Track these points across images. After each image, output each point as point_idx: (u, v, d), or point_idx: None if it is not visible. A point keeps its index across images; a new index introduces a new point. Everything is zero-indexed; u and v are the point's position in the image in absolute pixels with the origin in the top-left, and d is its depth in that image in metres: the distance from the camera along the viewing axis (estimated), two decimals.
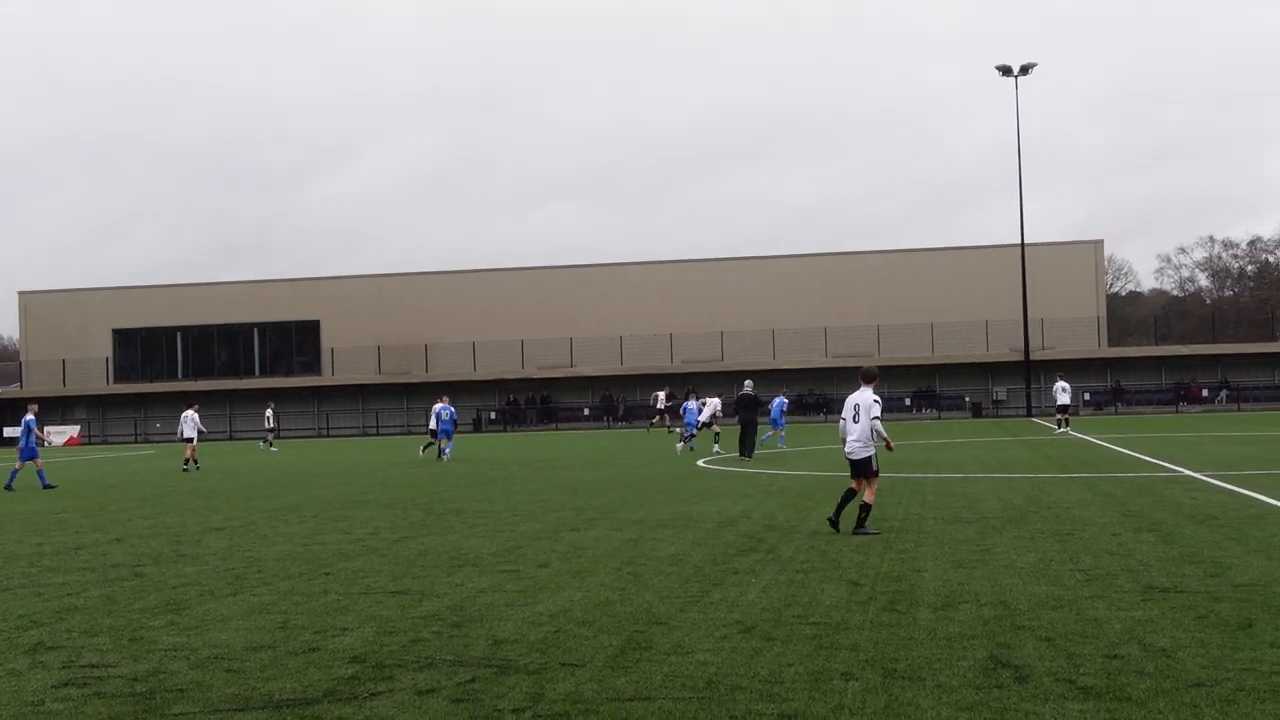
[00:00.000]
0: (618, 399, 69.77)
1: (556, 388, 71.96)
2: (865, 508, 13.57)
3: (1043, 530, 13.46)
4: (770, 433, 35.46)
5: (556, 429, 67.20)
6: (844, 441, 13.84)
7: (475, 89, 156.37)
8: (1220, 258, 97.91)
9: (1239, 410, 61.43)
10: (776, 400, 36.49)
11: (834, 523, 13.77)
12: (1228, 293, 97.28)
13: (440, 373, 71.13)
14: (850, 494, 13.87)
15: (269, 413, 51.82)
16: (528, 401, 70.47)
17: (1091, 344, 70.70)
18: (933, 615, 8.78)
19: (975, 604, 9.16)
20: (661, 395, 53.47)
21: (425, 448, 36.28)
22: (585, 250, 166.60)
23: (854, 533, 13.38)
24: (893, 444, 14.02)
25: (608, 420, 68.57)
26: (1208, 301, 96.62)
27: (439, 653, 8.02)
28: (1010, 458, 27.10)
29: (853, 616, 8.83)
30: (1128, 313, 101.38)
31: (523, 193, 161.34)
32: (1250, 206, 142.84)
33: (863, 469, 13.64)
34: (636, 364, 70.74)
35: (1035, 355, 64.03)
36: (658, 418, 53.72)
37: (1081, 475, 21.22)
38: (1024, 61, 60.91)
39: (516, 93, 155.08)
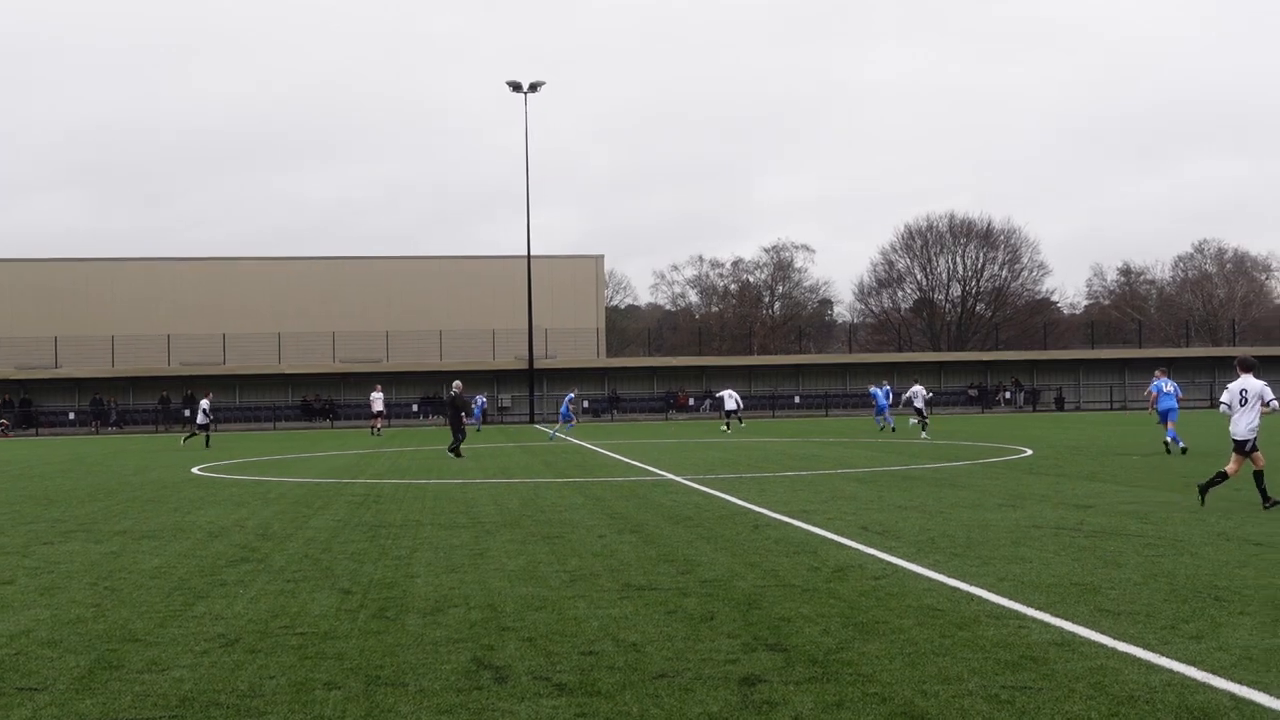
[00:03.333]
0: (108, 402, 65.53)
1: (38, 390, 66.64)
2: (1261, 474, 15.00)
3: (535, 533, 13.93)
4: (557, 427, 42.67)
5: (38, 434, 62.24)
6: (1230, 423, 15.08)
7: None
8: (708, 276, 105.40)
9: (720, 418, 66.29)
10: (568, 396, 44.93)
11: (1203, 494, 15.33)
12: (714, 308, 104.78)
13: None
14: (1222, 476, 15.12)
15: None
16: (3, 404, 64.66)
17: (591, 354, 74.06)
18: (421, 621, 8.86)
19: (464, 607, 9.33)
20: (378, 397, 50.06)
21: None
22: (85, 244, 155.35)
23: (1267, 506, 14.72)
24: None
25: (95, 425, 64.25)
26: (697, 316, 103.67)
27: None
28: (511, 463, 27.86)
29: (341, 625, 8.75)
30: (625, 325, 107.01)
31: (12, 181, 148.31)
32: (735, 230, 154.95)
33: (1247, 447, 14.90)
34: (128, 366, 66.84)
35: (540, 364, 66.18)
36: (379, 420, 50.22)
37: (575, 480, 22.15)
38: (534, 79, 62.90)
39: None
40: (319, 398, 67.73)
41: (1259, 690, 6.50)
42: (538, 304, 66.31)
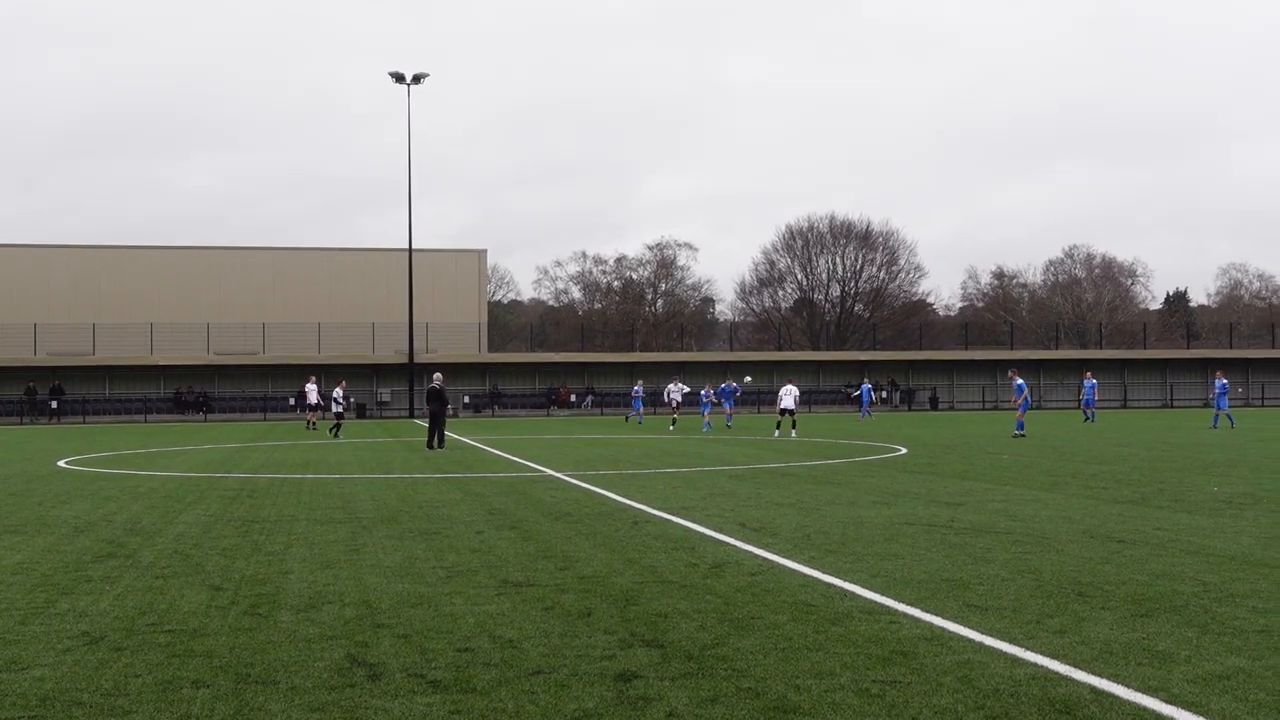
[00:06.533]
0: None
1: None
2: None
3: (412, 529, 13.81)
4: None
5: None
6: None
7: None
8: (592, 272, 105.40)
9: (602, 414, 66.41)
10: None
11: None
12: (597, 305, 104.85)
13: None
14: None
15: None
16: None
17: (473, 348, 73.63)
18: (294, 617, 8.72)
19: (339, 604, 9.21)
20: (312, 388, 48.48)
21: None
22: None
23: None
24: None
25: None
26: (580, 312, 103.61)
27: None
28: (391, 459, 27.57)
29: (211, 622, 8.58)
30: (508, 320, 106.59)
31: None
32: (620, 227, 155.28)
33: None
34: None
35: (420, 358, 65.60)
36: (311, 413, 48.57)
37: (455, 475, 22.00)
38: (417, 71, 62.25)
39: None
40: (191, 390, 66.31)
41: (1117, 682, 6.70)
42: (419, 298, 65.67)
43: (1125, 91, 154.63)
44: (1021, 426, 35.43)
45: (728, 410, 45.54)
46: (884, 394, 73.26)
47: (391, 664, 7.33)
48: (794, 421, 37.87)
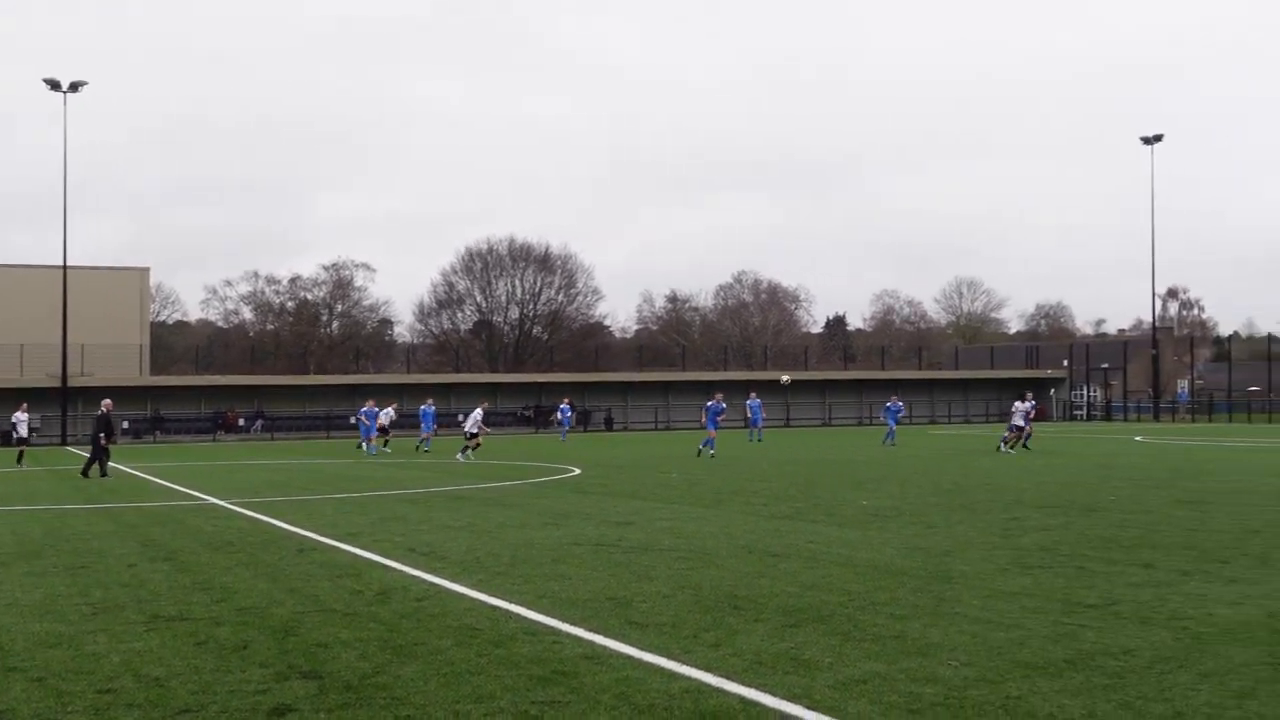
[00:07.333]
0: None
1: None
2: None
3: (56, 565, 12.96)
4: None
5: None
6: None
7: None
8: (264, 292, 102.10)
9: (273, 439, 64.36)
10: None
11: None
12: (270, 326, 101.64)
13: None
14: None
15: None
16: None
17: (134, 371, 70.03)
18: None
19: None
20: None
21: None
22: None
23: None
24: None
25: None
26: (251, 333, 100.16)
27: None
28: (38, 489, 25.80)
29: None
30: (173, 341, 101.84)
31: None
32: (295, 246, 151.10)
33: None
34: None
35: (74, 382, 61.80)
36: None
37: (107, 506, 20.79)
38: (74, 79, 58.80)
39: None
40: None
41: (766, 692, 6.98)
42: (75, 318, 61.83)
43: (790, 127, 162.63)
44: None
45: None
46: (558, 415, 74.00)
47: (22, 710, 6.84)
48: (478, 444, 37.69)
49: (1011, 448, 36.26)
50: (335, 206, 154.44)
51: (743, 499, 20.19)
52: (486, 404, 44.41)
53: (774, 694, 6.93)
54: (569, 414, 56.91)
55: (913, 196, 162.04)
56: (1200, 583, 10.73)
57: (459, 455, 36.81)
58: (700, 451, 36.19)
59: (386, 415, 45.94)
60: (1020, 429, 37.29)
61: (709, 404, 38.88)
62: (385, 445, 44.48)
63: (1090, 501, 18.94)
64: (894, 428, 44.93)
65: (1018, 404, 38.53)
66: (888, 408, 45.85)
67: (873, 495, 20.55)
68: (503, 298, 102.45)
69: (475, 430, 37.67)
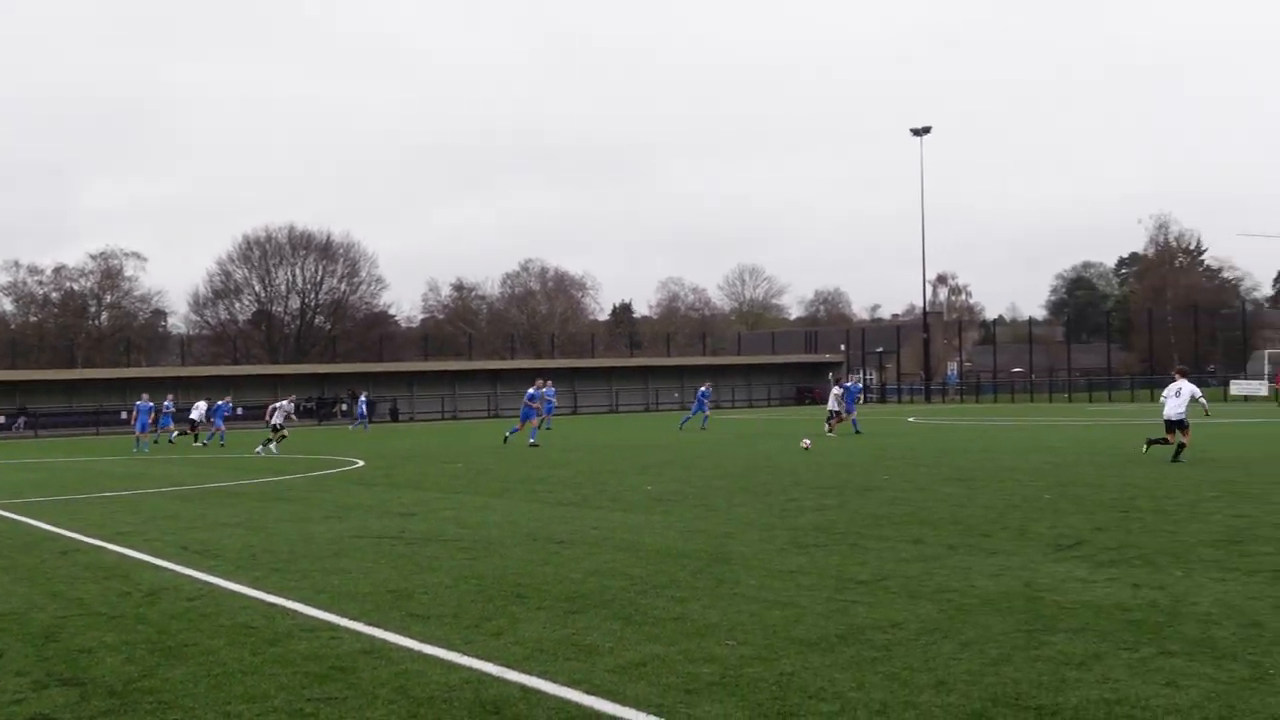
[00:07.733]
0: None
1: None
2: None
3: None
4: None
5: None
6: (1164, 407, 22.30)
7: None
8: (25, 283, 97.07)
9: (37, 437, 61.34)
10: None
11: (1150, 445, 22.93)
12: (32, 318, 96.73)
13: None
14: (1164, 440, 22.31)
15: None
16: None
17: None
18: None
19: None
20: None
21: None
22: None
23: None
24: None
25: None
26: (11, 326, 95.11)
27: None
28: None
29: None
30: None
31: None
32: (58, 235, 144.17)
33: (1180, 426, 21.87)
34: None
35: None
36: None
37: None
38: None
39: None
40: None
41: (545, 679, 6.98)
42: None
43: (575, 116, 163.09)
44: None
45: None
46: (343, 407, 72.67)
47: None
48: (283, 435, 36.61)
49: (832, 431, 37.17)
50: (102, 194, 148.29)
51: (528, 487, 20.19)
52: (295, 397, 43.38)
53: (554, 680, 6.94)
54: (364, 405, 56.60)
55: (698, 183, 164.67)
56: (964, 556, 11.21)
57: (259, 448, 35.74)
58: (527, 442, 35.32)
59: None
60: (837, 413, 38.32)
61: (532, 390, 37.78)
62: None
63: (865, 481, 19.59)
64: (708, 413, 45.65)
65: (834, 389, 39.64)
66: (703, 392, 46.36)
67: (657, 480, 20.81)
68: (283, 287, 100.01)
69: (282, 423, 36.64)
